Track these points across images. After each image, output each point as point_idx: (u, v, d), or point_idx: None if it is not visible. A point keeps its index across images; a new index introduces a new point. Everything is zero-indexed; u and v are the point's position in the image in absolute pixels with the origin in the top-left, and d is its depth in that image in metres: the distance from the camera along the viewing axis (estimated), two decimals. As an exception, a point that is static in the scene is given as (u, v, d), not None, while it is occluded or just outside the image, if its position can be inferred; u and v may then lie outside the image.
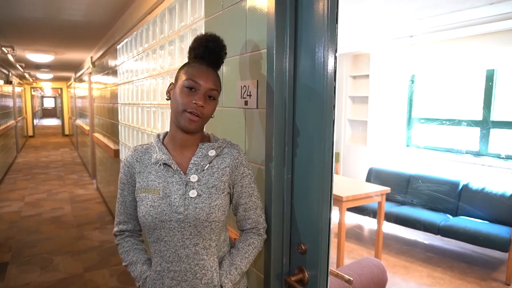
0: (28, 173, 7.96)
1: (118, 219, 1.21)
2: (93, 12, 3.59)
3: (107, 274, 3.32)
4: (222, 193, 1.08)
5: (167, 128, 2.32)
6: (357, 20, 3.79)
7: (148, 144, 1.19)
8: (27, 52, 6.15)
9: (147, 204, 1.06)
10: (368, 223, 4.58)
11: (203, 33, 1.15)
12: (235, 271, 1.09)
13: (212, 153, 1.10)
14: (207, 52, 1.10)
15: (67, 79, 13.08)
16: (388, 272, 2.15)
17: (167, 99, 1.13)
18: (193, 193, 1.05)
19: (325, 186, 1.09)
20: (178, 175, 1.07)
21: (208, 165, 1.09)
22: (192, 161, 1.09)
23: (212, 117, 1.13)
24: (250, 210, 1.14)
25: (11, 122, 9.20)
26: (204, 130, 1.19)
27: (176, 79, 1.10)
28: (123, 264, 1.18)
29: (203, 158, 1.10)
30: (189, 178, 1.07)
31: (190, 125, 1.04)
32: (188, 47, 1.15)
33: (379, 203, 3.61)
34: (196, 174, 1.07)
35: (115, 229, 1.21)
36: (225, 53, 1.14)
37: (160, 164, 1.09)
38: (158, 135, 1.18)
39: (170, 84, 1.13)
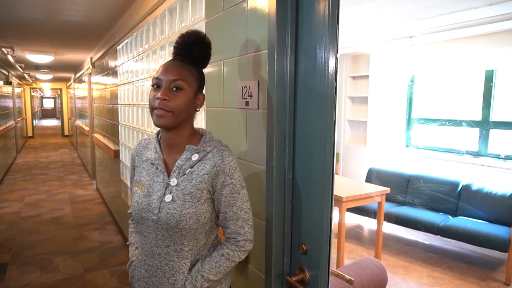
0: (28, 173, 7.95)
1: (130, 203, 1.28)
2: (93, 13, 3.59)
3: (107, 274, 3.32)
4: (198, 201, 1.06)
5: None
6: (356, 21, 3.79)
7: (150, 139, 1.22)
8: (26, 53, 6.15)
9: (134, 199, 1.13)
10: (368, 224, 4.59)
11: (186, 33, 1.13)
12: (201, 278, 1.08)
13: (195, 157, 1.08)
14: (178, 47, 1.09)
15: (66, 79, 13.08)
16: (388, 272, 2.16)
17: None
18: (168, 198, 1.06)
19: (326, 186, 1.09)
20: (162, 175, 1.10)
21: (189, 169, 1.08)
22: (176, 164, 1.09)
23: (197, 111, 1.12)
24: (229, 220, 1.10)
25: (11, 122, 9.19)
26: (203, 128, 1.18)
27: None
28: (127, 242, 1.28)
29: (186, 161, 1.08)
30: (169, 181, 1.08)
31: (158, 121, 1.03)
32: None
33: (379, 204, 3.61)
34: (176, 178, 1.08)
35: (128, 211, 1.31)
36: (206, 45, 1.10)
37: (149, 162, 1.14)
38: (158, 132, 1.18)
39: None
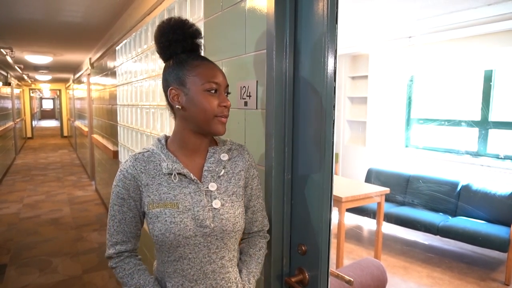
0: (27, 174, 7.94)
1: (114, 239, 1.02)
2: (92, 14, 3.58)
3: (106, 275, 3.31)
4: (242, 199, 1.06)
5: (166, 129, 2.32)
6: (356, 21, 3.79)
7: (149, 151, 1.04)
8: (25, 54, 6.14)
9: (166, 220, 0.95)
10: (368, 224, 4.58)
11: (166, 19, 1.01)
12: (253, 279, 1.08)
13: (224, 157, 1.05)
14: (192, 43, 1.01)
15: (65, 80, 13.06)
16: (388, 273, 2.15)
17: (179, 108, 0.98)
18: (216, 204, 0.98)
19: (325, 186, 1.08)
20: (194, 184, 0.99)
21: (223, 170, 1.04)
22: (205, 168, 1.02)
23: None
24: (257, 212, 1.12)
25: (10, 123, 9.18)
26: None
27: (182, 83, 0.97)
28: None
29: (217, 163, 1.03)
30: (208, 187, 0.99)
31: (223, 129, 0.99)
32: (162, 38, 0.99)
33: (379, 204, 3.61)
34: (214, 182, 1.01)
35: (111, 251, 1.03)
36: (200, 34, 1.04)
37: (175, 175, 0.98)
38: (159, 140, 1.05)
39: (171, 90, 0.99)
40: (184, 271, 0.98)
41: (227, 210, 1.00)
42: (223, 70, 1.49)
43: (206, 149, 1.05)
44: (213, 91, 0.96)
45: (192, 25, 1.01)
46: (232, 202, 1.02)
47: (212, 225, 0.97)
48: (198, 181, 0.99)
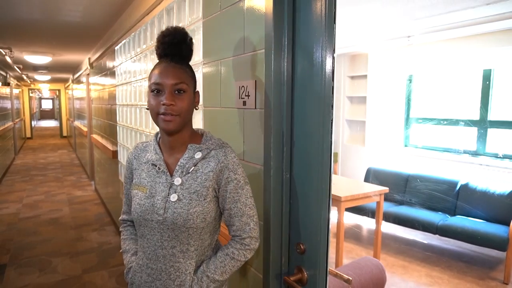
0: (26, 174, 7.93)
1: (123, 208, 1.30)
2: (91, 13, 3.58)
3: (105, 275, 3.31)
4: (204, 199, 1.07)
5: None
6: (354, 20, 3.80)
7: (148, 142, 1.22)
8: (25, 54, 6.14)
9: (135, 201, 1.12)
10: (367, 223, 4.59)
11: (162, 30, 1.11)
12: (207, 279, 1.08)
13: (198, 155, 1.09)
14: (166, 47, 1.07)
15: (65, 80, 13.06)
16: (387, 272, 2.16)
17: (146, 109, 1.12)
18: (173, 197, 1.06)
19: (324, 186, 1.09)
20: (165, 176, 1.09)
21: (193, 167, 1.08)
22: (179, 163, 1.09)
23: (196, 109, 1.12)
24: (234, 217, 1.10)
25: (9, 123, 9.17)
26: (202, 128, 1.18)
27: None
28: (120, 250, 1.26)
29: (189, 160, 1.09)
30: (173, 181, 1.08)
31: (168, 126, 1.03)
32: None
33: (378, 203, 3.62)
34: (180, 177, 1.08)
35: (120, 218, 1.32)
36: (190, 41, 1.10)
37: (150, 164, 1.13)
38: (157, 134, 1.19)
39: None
40: (144, 248, 1.13)
41: (181, 206, 1.05)
42: (221, 70, 1.50)
43: (187, 145, 1.11)
44: (155, 91, 1.04)
45: (169, 34, 1.07)
46: (191, 199, 1.06)
47: (164, 215, 1.06)
48: (168, 174, 1.10)
